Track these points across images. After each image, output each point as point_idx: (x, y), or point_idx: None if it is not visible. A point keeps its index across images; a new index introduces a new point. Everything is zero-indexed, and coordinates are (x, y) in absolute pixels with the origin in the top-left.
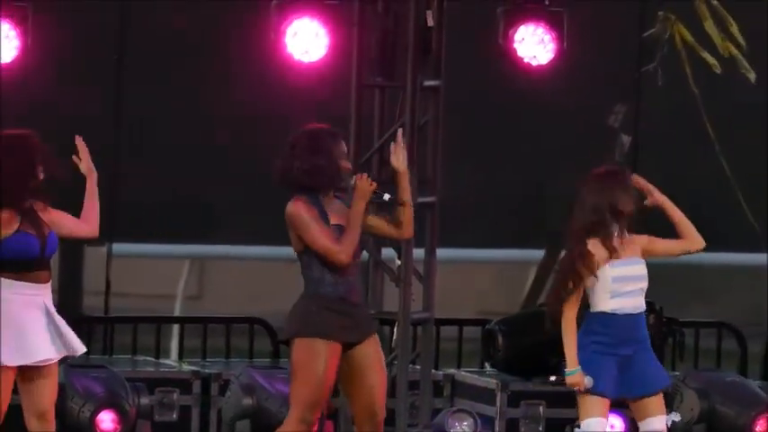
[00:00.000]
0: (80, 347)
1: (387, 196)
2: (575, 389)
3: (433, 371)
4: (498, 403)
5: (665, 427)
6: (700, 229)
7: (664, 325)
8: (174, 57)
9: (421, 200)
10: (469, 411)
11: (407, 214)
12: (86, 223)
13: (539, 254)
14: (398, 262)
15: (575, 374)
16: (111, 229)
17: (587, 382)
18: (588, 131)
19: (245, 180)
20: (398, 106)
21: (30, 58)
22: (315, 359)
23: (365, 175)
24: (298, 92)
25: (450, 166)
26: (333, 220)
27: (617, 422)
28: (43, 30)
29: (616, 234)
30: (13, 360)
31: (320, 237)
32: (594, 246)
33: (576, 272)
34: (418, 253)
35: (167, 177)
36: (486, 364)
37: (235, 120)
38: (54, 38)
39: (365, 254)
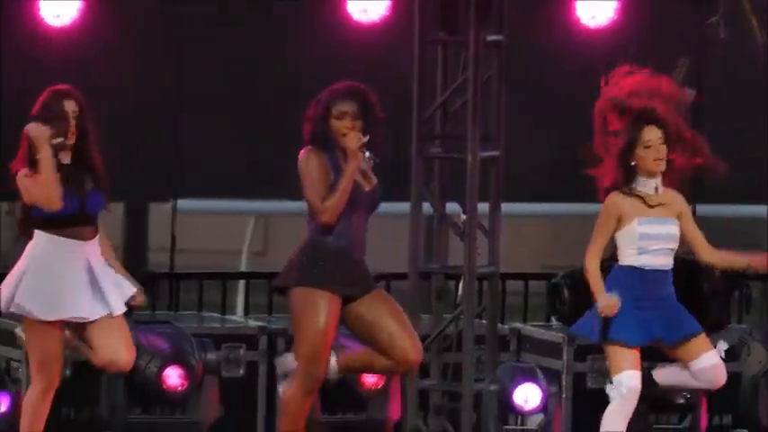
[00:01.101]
0: (119, 307)
1: (367, 154)
2: (611, 315)
3: (498, 325)
4: (565, 357)
5: (720, 360)
6: (761, 183)
7: (730, 279)
8: (235, 13)
9: (484, 154)
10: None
11: None
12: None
13: None
14: (463, 216)
15: (606, 299)
16: (176, 185)
17: (616, 300)
18: None
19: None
20: (461, 61)
21: (91, 17)
22: (314, 310)
23: (353, 134)
24: (360, 49)
25: (513, 120)
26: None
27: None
28: None
29: (651, 187)
30: (47, 314)
31: (310, 191)
32: (619, 198)
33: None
34: (482, 207)
35: (232, 133)
36: (552, 318)
37: (298, 77)
38: None
39: (429, 207)
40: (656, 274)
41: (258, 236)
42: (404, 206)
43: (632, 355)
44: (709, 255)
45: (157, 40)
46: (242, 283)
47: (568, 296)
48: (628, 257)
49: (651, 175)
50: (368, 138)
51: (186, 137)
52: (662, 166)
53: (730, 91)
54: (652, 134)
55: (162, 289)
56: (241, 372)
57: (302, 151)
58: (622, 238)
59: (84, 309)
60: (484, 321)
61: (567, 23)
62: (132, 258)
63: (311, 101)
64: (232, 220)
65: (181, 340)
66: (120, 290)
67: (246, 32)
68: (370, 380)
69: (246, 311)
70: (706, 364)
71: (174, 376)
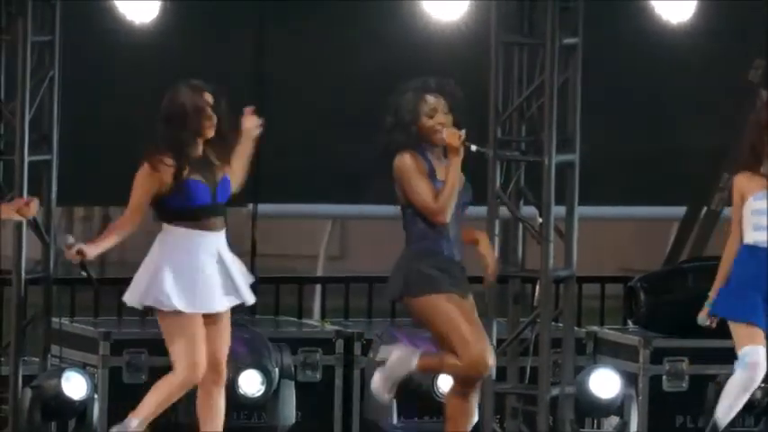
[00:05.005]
0: (250, 298)
1: (474, 147)
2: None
3: (575, 328)
4: (641, 360)
5: None
6: None
7: None
8: (315, 19)
9: (561, 158)
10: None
11: None
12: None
13: (680, 210)
14: (539, 219)
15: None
16: (256, 189)
17: (700, 320)
18: (728, 87)
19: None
20: (538, 64)
21: (171, 18)
22: (442, 308)
23: (452, 130)
24: (438, 51)
25: (590, 123)
26: (441, 177)
27: None
28: None
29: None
30: (190, 307)
31: (421, 193)
32: (742, 178)
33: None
34: (559, 210)
35: (310, 138)
36: (629, 322)
37: (377, 80)
38: None
39: (506, 211)
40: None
41: (335, 240)
42: (480, 209)
43: (755, 332)
44: None
45: (238, 43)
46: (319, 287)
47: (645, 299)
48: (745, 235)
49: None
50: (464, 131)
51: (266, 141)
52: None
53: None
54: None
55: None
56: (318, 376)
57: (398, 157)
58: (742, 216)
59: (220, 302)
60: (560, 325)
61: (644, 23)
62: None
63: (387, 102)
64: (310, 224)
65: (258, 344)
66: (246, 278)
67: (327, 35)
68: (446, 385)
69: (323, 315)
70: None
71: (250, 381)
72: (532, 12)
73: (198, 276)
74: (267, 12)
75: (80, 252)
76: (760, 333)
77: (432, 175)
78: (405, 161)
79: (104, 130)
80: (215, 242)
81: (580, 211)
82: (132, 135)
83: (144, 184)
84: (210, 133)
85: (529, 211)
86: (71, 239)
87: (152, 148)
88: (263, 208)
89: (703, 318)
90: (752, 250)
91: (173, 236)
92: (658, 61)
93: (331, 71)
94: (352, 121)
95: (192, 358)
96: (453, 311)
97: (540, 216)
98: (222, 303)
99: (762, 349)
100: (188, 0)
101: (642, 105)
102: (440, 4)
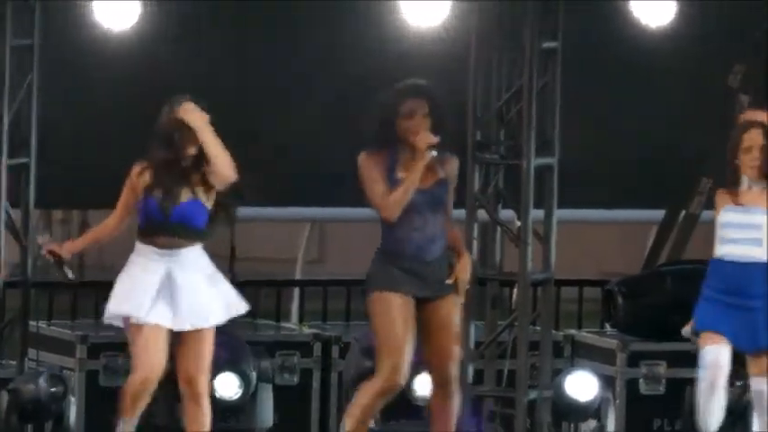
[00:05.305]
0: (198, 322)
1: (434, 153)
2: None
3: (553, 331)
4: (618, 363)
5: (763, 389)
6: None
7: None
8: (293, 26)
9: (540, 161)
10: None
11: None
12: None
13: (659, 214)
14: (518, 222)
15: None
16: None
17: (684, 331)
18: (708, 91)
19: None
20: (517, 68)
21: (150, 23)
22: (387, 310)
23: (423, 134)
24: (419, 55)
25: (570, 126)
26: (401, 174)
27: None
28: None
29: (746, 184)
30: (136, 311)
31: (372, 191)
32: (720, 194)
33: None
34: (537, 213)
35: (288, 141)
36: (606, 325)
37: (355, 82)
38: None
39: (484, 214)
40: (737, 267)
41: (313, 243)
42: (459, 212)
43: (717, 336)
44: None
45: (217, 43)
46: (297, 290)
47: (622, 303)
48: (715, 248)
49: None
50: (438, 139)
51: (245, 143)
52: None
53: None
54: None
55: None
56: (295, 379)
57: (359, 156)
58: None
59: (157, 317)
60: (538, 328)
61: (625, 26)
62: None
63: (367, 105)
64: (287, 227)
65: (235, 348)
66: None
67: (303, 36)
68: (424, 390)
69: (301, 319)
70: (754, 387)
71: (228, 384)
72: (512, 16)
73: (146, 284)
74: (248, 14)
75: (51, 252)
76: (721, 336)
77: (392, 173)
78: (362, 161)
79: (83, 134)
80: (168, 261)
81: (559, 214)
82: (110, 139)
83: (125, 192)
84: (192, 150)
85: (507, 214)
86: (42, 238)
87: (142, 158)
88: (242, 211)
89: (688, 330)
90: (715, 264)
91: (135, 251)
92: (638, 65)
93: (312, 75)
94: (329, 124)
95: (143, 358)
96: (393, 313)
97: (519, 219)
98: (177, 323)
99: (721, 348)
100: (167, 3)
101: (621, 109)
102: (420, 8)
